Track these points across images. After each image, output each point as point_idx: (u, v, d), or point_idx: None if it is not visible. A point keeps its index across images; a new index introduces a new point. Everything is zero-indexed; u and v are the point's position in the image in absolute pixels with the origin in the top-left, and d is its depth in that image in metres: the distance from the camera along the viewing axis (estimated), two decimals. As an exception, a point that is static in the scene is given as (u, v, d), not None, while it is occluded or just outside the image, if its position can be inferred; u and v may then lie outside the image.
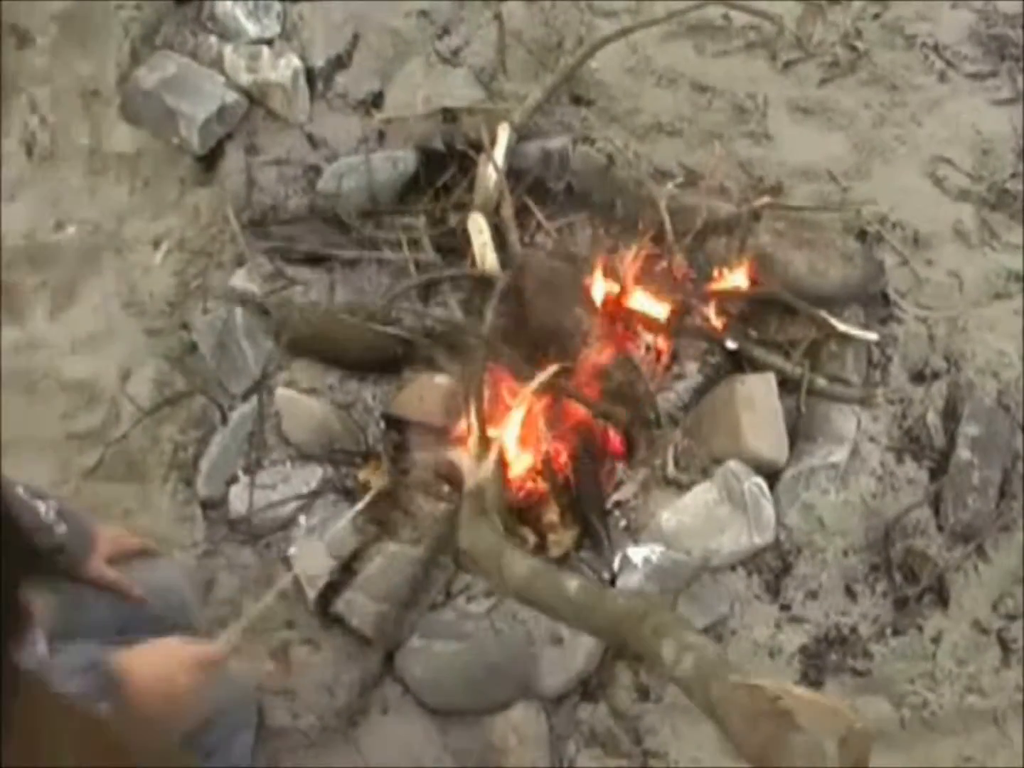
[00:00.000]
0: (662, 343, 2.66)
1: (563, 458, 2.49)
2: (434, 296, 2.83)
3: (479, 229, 2.80)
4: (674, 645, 1.67)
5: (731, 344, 2.63)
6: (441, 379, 2.57)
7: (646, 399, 2.59)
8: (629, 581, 2.39)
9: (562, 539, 2.46)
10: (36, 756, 0.80)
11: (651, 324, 2.66)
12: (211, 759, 1.82)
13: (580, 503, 2.50)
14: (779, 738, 1.37)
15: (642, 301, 2.68)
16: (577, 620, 1.95)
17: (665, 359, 2.67)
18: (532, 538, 2.46)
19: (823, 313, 2.66)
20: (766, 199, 2.85)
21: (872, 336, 2.70)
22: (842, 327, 2.66)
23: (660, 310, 2.66)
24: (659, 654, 1.69)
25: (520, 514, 2.49)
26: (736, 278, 2.71)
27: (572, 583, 1.87)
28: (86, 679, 1.42)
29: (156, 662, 1.52)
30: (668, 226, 2.77)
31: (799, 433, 2.61)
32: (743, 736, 1.46)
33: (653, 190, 2.85)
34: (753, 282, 2.71)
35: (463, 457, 2.48)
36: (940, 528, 2.56)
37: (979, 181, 3.04)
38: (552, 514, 2.47)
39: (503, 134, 2.93)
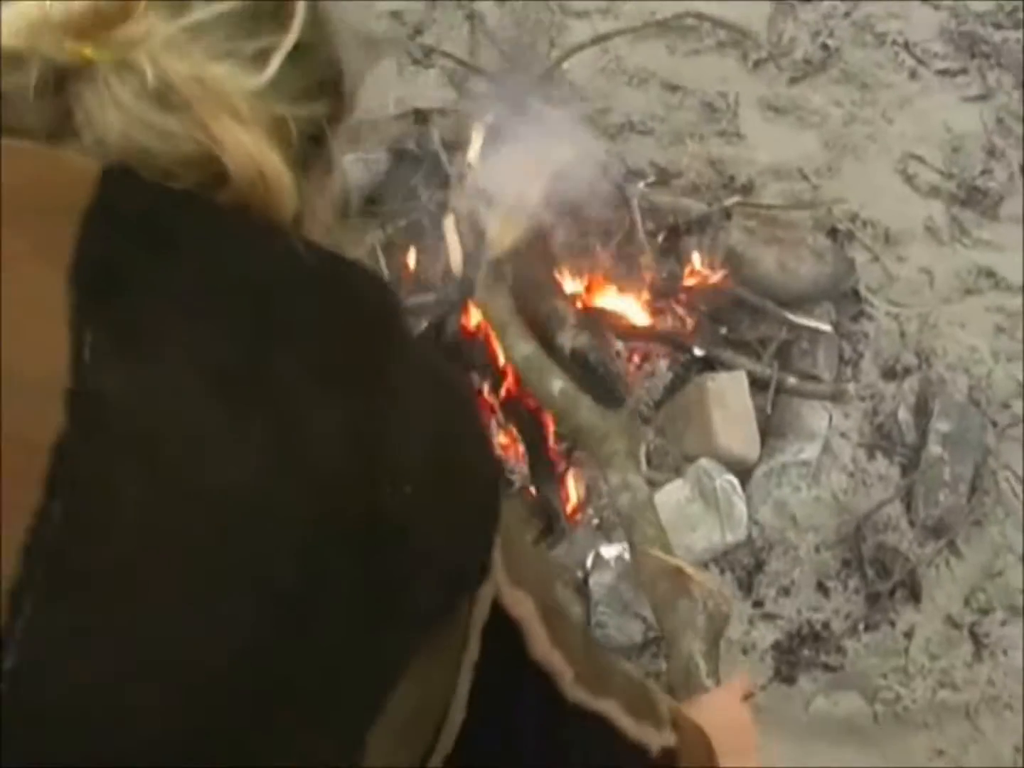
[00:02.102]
0: (633, 343, 2.67)
1: (517, 451, 2.49)
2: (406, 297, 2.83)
3: (453, 230, 2.80)
4: (618, 477, 2.00)
5: (698, 351, 2.64)
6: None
7: (621, 388, 2.59)
8: (602, 579, 2.39)
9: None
10: None
11: (621, 325, 2.66)
12: None
13: (540, 496, 2.49)
14: (670, 600, 1.69)
15: (612, 301, 2.68)
16: (554, 413, 2.33)
17: (636, 358, 2.67)
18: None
19: (771, 304, 2.69)
20: (737, 198, 2.86)
21: (826, 327, 2.71)
22: (795, 319, 2.68)
23: (631, 310, 2.66)
24: (606, 478, 2.05)
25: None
26: (705, 277, 2.72)
27: (557, 383, 2.20)
28: None
29: None
30: (639, 225, 2.77)
31: (770, 430, 2.62)
32: (647, 587, 1.81)
33: (625, 189, 2.85)
34: (721, 281, 2.71)
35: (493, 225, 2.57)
36: (912, 524, 2.57)
37: (949, 178, 3.06)
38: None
39: (476, 134, 2.93)
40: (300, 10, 0.74)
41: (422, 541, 0.68)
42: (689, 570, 1.72)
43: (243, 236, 0.69)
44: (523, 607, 0.82)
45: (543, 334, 2.53)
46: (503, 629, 0.81)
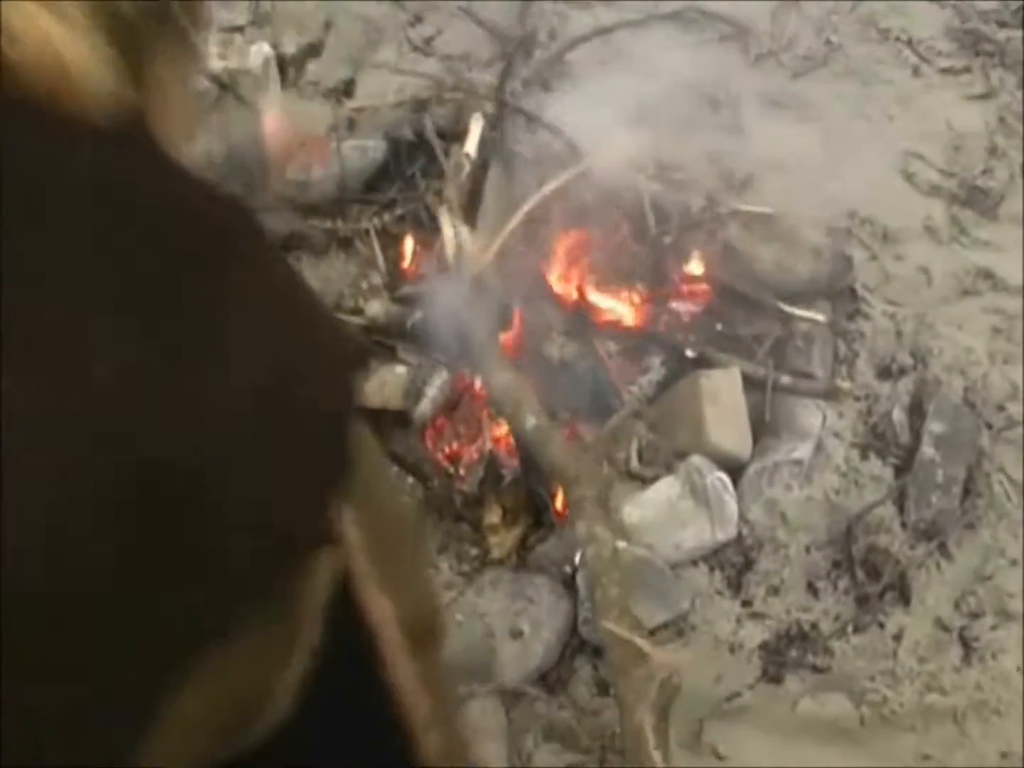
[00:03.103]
0: (627, 338, 2.65)
1: (507, 447, 2.48)
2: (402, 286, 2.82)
3: (448, 221, 2.78)
4: (585, 527, 2.00)
5: (690, 352, 2.62)
6: (402, 369, 2.55)
7: (611, 392, 2.58)
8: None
9: (504, 540, 2.44)
10: None
11: (616, 322, 2.65)
12: None
13: (529, 491, 2.48)
14: (626, 665, 1.80)
15: (608, 297, 2.66)
16: (527, 448, 2.28)
17: (630, 354, 2.65)
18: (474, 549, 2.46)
19: (768, 296, 2.68)
20: (734, 206, 2.83)
21: (821, 318, 2.70)
22: (790, 310, 2.68)
23: (626, 306, 2.65)
24: (575, 524, 2.05)
25: (460, 516, 2.48)
26: (702, 273, 2.70)
27: (531, 419, 2.15)
28: None
29: None
30: (639, 220, 2.75)
31: (763, 428, 2.60)
32: (606, 647, 1.92)
33: (624, 183, 2.83)
34: (718, 277, 2.70)
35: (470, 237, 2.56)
36: (903, 525, 2.56)
37: (950, 177, 3.04)
38: (493, 516, 2.45)
39: (475, 124, 2.91)
40: None
41: (232, 499, 0.61)
42: (640, 642, 1.80)
43: (34, 133, 0.61)
44: (382, 614, 0.79)
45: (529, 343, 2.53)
46: (354, 627, 0.77)
